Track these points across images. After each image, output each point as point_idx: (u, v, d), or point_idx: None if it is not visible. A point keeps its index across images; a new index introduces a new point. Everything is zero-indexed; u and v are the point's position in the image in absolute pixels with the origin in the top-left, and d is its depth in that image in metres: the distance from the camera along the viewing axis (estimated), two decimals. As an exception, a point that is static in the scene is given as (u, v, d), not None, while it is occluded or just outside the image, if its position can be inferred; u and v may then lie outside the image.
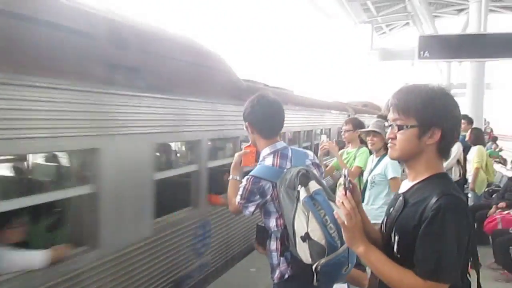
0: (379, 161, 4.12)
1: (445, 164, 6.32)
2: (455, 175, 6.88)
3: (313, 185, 2.17)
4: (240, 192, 2.39)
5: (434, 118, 1.51)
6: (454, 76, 22.34)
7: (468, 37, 7.09)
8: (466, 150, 6.98)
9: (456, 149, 6.93)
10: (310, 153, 2.58)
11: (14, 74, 2.36)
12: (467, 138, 7.04)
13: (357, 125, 4.88)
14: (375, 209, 4.01)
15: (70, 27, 2.84)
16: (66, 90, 2.69)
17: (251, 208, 2.38)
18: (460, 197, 1.44)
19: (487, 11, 6.97)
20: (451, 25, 19.01)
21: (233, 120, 4.83)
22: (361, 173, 4.50)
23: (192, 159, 4.65)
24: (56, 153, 4.35)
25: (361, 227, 1.52)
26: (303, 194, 2.13)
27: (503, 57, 6.65)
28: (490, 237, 5.50)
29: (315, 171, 2.43)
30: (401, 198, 1.58)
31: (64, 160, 4.29)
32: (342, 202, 1.53)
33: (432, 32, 15.35)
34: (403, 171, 4.01)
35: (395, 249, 1.51)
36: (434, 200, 1.41)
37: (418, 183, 1.57)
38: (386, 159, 4.04)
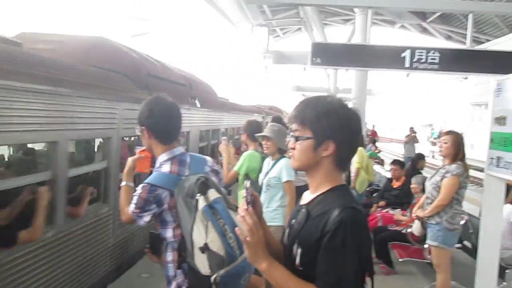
0: (274, 164, 4.22)
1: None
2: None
3: (213, 194, 2.11)
4: (134, 201, 2.23)
5: (327, 131, 1.53)
6: (340, 81, 23.94)
7: (355, 47, 7.61)
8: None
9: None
10: (209, 159, 2.50)
11: None
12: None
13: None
14: (270, 212, 4.11)
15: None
16: None
17: (146, 218, 2.23)
18: (360, 210, 1.47)
19: (371, 24, 7.54)
20: (339, 33, 20.43)
21: (104, 118, 4.16)
22: (246, 177, 4.51)
23: (45, 166, 3.59)
24: None
25: (263, 242, 1.48)
26: (202, 203, 2.06)
27: (385, 68, 7.26)
28: (372, 234, 5.95)
29: (214, 178, 2.36)
30: (303, 210, 1.57)
31: None
32: (244, 217, 1.46)
33: (322, 39, 16.32)
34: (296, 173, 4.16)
35: (297, 262, 1.49)
36: (335, 213, 1.41)
37: (319, 195, 1.57)
38: (281, 162, 4.16)
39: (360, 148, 7.39)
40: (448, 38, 19.50)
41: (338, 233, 1.37)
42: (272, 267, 1.46)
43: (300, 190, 1.97)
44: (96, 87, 4.08)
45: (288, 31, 25.93)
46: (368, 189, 7.75)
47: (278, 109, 23.03)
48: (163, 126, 2.34)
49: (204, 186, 2.11)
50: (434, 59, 7.02)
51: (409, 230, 5.30)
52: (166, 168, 2.29)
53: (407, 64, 6.97)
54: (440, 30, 18.93)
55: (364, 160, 7.32)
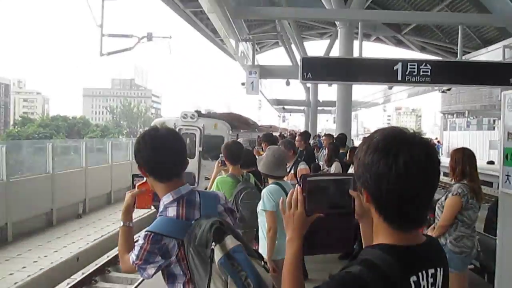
0: None
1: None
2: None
3: (231, 241, 1.77)
4: (135, 252, 1.88)
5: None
6: (322, 94, 23.99)
7: (348, 61, 7.45)
8: (346, 169, 7.27)
9: (334, 167, 7.20)
10: (221, 196, 2.14)
11: None
12: (347, 158, 7.34)
13: None
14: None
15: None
16: None
17: (150, 270, 1.88)
18: None
19: (361, 37, 7.41)
20: (314, 47, 20.43)
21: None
22: None
23: None
24: None
25: (301, 220, 1.41)
26: (218, 253, 1.73)
27: (378, 81, 7.13)
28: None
29: (229, 220, 2.03)
30: None
31: None
32: (293, 192, 1.43)
33: (302, 53, 16.24)
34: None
35: None
36: None
37: None
38: (265, 189, 4.02)
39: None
40: (422, 49, 19.81)
41: None
42: (293, 245, 1.43)
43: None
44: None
45: (265, 45, 26.00)
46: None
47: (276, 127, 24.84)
48: (153, 161, 1.98)
49: (219, 232, 1.78)
50: (426, 71, 6.92)
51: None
52: (172, 211, 1.93)
53: (399, 77, 6.85)
54: (415, 41, 19.21)
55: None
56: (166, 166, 1.98)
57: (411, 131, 1.22)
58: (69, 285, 8.25)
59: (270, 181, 4.02)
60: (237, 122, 14.67)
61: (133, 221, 2.26)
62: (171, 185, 1.98)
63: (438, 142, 40.50)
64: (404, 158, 1.11)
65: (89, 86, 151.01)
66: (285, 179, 4.24)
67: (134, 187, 2.29)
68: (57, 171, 12.94)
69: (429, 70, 6.94)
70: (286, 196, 4.16)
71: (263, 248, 3.88)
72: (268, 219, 3.75)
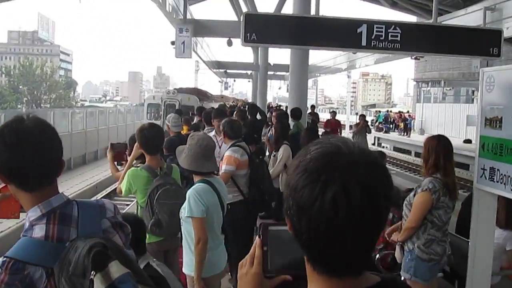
0: None
1: (271, 171, 6.36)
2: (282, 185, 7.11)
3: (116, 268, 1.69)
4: None
5: None
6: (274, 56, 23.97)
7: (302, 20, 7.33)
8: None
9: (282, 152, 7.17)
10: (109, 206, 2.00)
11: None
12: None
13: None
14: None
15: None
16: None
17: None
18: None
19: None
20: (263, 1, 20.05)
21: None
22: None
23: None
24: None
25: (255, 284, 1.33)
26: (99, 285, 1.64)
27: (337, 46, 7.11)
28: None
29: (118, 238, 1.92)
30: None
31: None
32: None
33: (250, 6, 15.96)
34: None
35: None
36: None
37: None
38: (190, 190, 3.91)
39: None
40: (393, 5, 20.02)
41: None
42: None
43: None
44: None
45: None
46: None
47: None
48: (12, 162, 1.79)
49: (101, 258, 1.69)
50: (395, 36, 6.96)
51: (378, 256, 5.15)
52: (39, 231, 1.77)
53: (364, 42, 6.84)
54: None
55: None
56: (30, 171, 1.79)
57: (358, 148, 1.09)
58: None
59: (196, 178, 3.86)
60: (201, 95, 23.33)
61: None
62: (39, 196, 1.80)
63: (410, 116, 42.07)
64: (333, 191, 1.01)
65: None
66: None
67: None
68: None
69: (398, 35, 6.98)
70: (219, 198, 4.06)
71: (189, 264, 3.76)
72: (196, 228, 3.61)
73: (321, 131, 16.46)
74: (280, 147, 7.26)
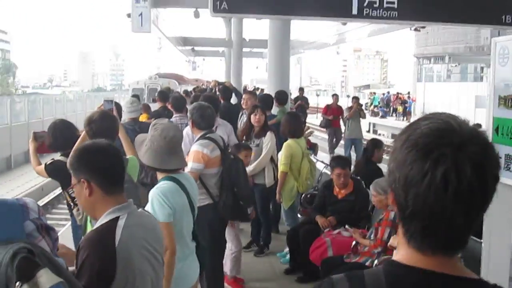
0: None
1: (251, 166, 6.27)
2: (269, 179, 7.09)
3: (46, 278, 1.70)
4: None
5: None
6: (249, 30, 23.86)
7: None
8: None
9: (269, 141, 7.11)
10: (32, 205, 2.01)
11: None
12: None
13: None
14: None
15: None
16: None
17: None
18: None
19: None
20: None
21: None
22: None
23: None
24: None
25: None
26: None
27: (322, 16, 7.04)
28: (320, 269, 5.73)
29: (44, 244, 1.93)
30: None
31: None
32: None
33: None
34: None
35: None
36: None
37: None
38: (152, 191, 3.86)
39: (289, 141, 7.14)
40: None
41: None
42: None
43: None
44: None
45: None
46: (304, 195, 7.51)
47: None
48: None
49: (28, 265, 1.72)
50: (391, 2, 6.90)
51: (376, 261, 5.15)
52: None
53: (355, 10, 6.77)
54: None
55: (297, 159, 7.12)
56: None
57: (472, 124, 1.27)
58: None
59: (159, 175, 3.78)
60: (179, 79, 29.83)
61: None
62: None
63: (409, 97, 42.42)
64: (444, 167, 1.17)
65: None
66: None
67: None
68: None
69: (395, 1, 6.93)
70: (188, 198, 4.00)
71: None
72: (167, 234, 3.48)
73: (316, 118, 16.41)
74: (263, 136, 7.22)
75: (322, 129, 21.47)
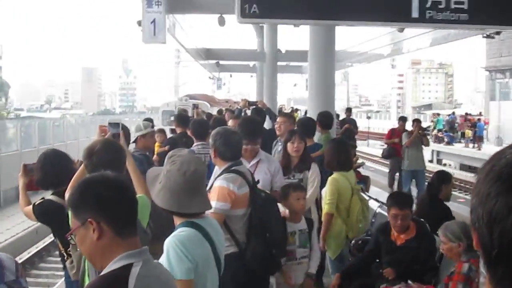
0: None
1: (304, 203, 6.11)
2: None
3: None
4: None
5: None
6: (284, 40, 24.02)
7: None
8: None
9: (315, 175, 7.00)
10: (10, 265, 2.13)
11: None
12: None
13: None
14: None
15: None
16: None
17: None
18: None
19: None
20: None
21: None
22: None
23: None
24: None
25: None
26: None
27: (375, 21, 7.01)
28: None
29: None
30: None
31: None
32: None
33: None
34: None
35: None
36: None
37: None
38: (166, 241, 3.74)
39: (336, 175, 7.00)
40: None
41: None
42: None
43: None
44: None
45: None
46: (354, 241, 7.39)
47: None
48: None
49: None
50: (460, 3, 6.82)
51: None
52: None
53: (415, 13, 6.73)
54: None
55: (345, 196, 6.97)
56: None
57: None
58: None
59: (177, 220, 3.66)
60: (210, 101, 35.84)
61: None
62: None
63: (480, 119, 41.92)
64: None
65: None
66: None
67: None
68: None
69: (465, 1, 6.88)
70: (212, 249, 3.94)
71: None
72: None
73: (367, 146, 16.38)
74: (305, 170, 7.13)
75: (375, 158, 21.30)
